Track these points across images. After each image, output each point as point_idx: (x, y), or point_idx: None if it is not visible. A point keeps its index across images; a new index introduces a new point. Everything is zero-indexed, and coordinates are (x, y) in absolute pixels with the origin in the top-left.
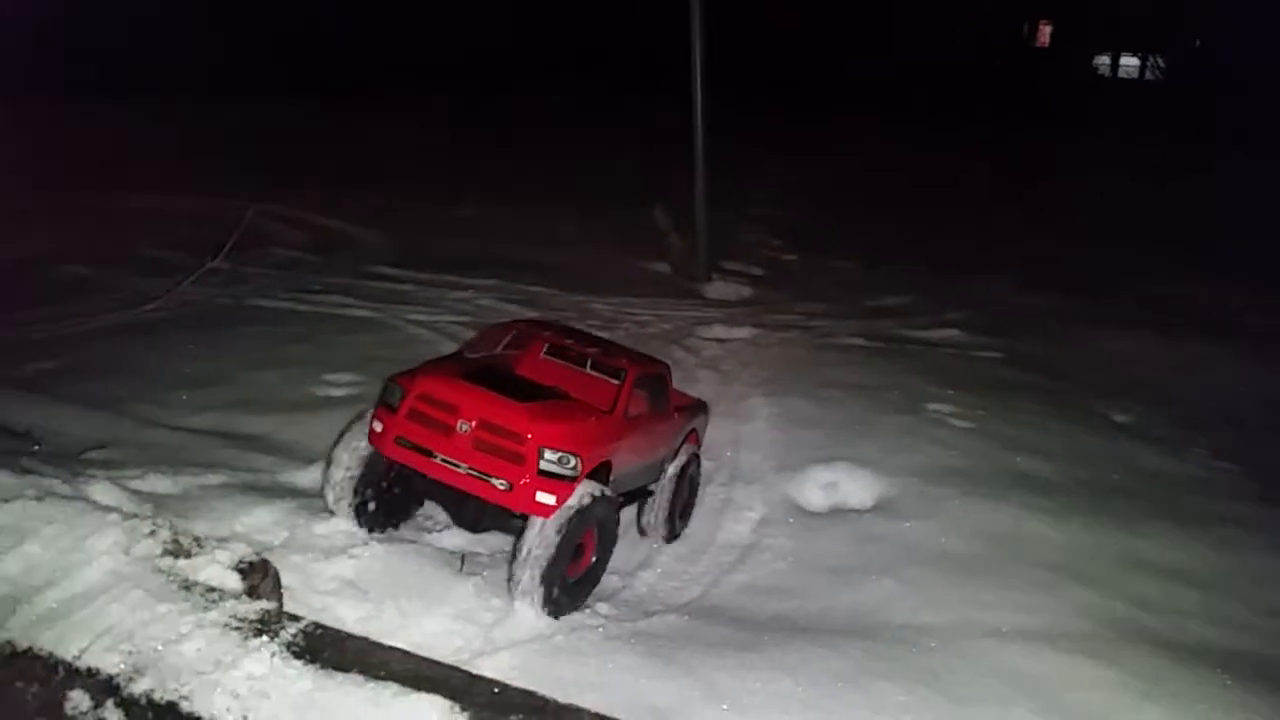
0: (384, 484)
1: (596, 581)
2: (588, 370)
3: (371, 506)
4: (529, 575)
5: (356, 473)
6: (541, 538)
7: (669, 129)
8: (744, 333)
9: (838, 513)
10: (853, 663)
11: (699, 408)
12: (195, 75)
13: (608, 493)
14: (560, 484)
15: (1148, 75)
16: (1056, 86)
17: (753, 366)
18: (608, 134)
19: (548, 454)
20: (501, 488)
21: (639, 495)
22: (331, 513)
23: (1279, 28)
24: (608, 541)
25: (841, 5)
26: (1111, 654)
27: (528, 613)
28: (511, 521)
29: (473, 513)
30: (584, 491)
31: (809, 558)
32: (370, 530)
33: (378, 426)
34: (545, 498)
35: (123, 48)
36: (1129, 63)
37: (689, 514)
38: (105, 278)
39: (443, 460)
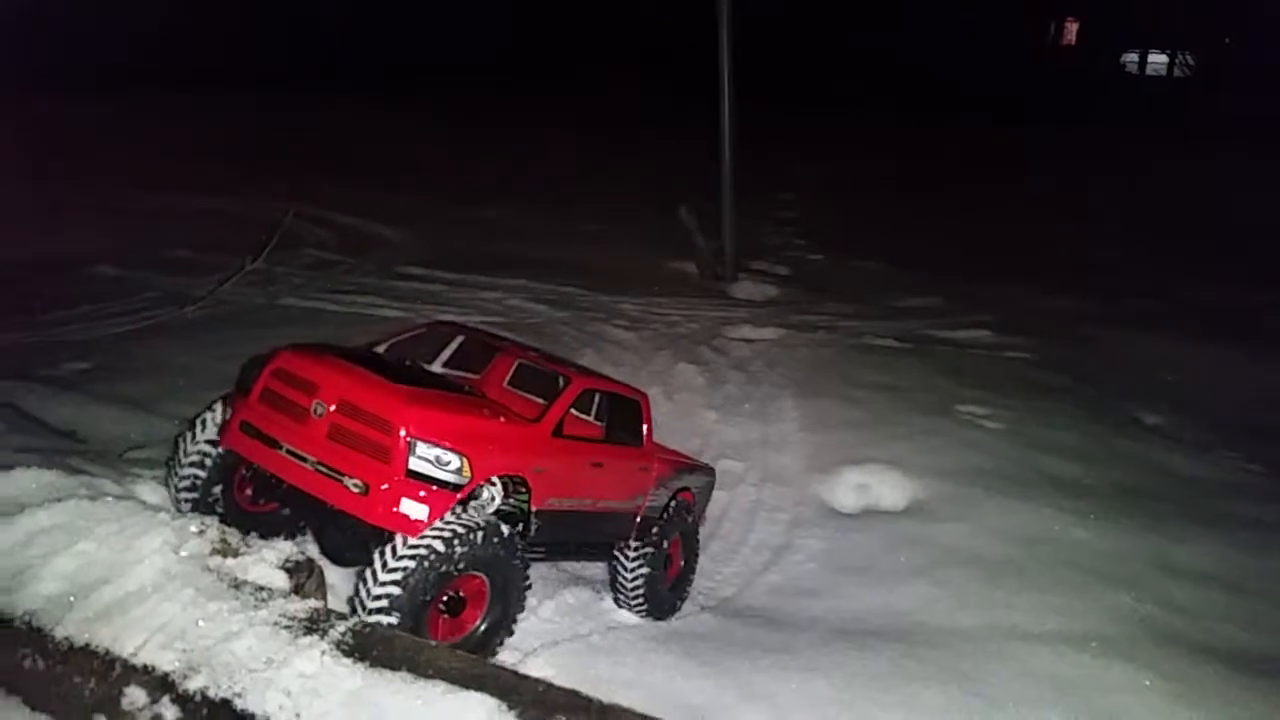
0: (240, 488)
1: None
2: (522, 381)
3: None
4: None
5: (194, 474)
6: (386, 565)
7: (695, 129)
8: (771, 333)
9: (869, 514)
10: (888, 664)
11: (698, 469)
12: (225, 73)
13: (503, 528)
14: (435, 492)
15: (1176, 73)
16: (1084, 85)
17: (781, 367)
18: (634, 134)
19: (421, 448)
20: (355, 490)
21: (587, 551)
22: None
23: None
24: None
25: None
26: (1144, 657)
27: None
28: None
29: (331, 535)
30: (467, 519)
31: (841, 559)
32: None
33: (227, 413)
34: (412, 508)
35: (154, 45)
36: (1157, 60)
37: (685, 585)
38: (139, 278)
39: (288, 452)
